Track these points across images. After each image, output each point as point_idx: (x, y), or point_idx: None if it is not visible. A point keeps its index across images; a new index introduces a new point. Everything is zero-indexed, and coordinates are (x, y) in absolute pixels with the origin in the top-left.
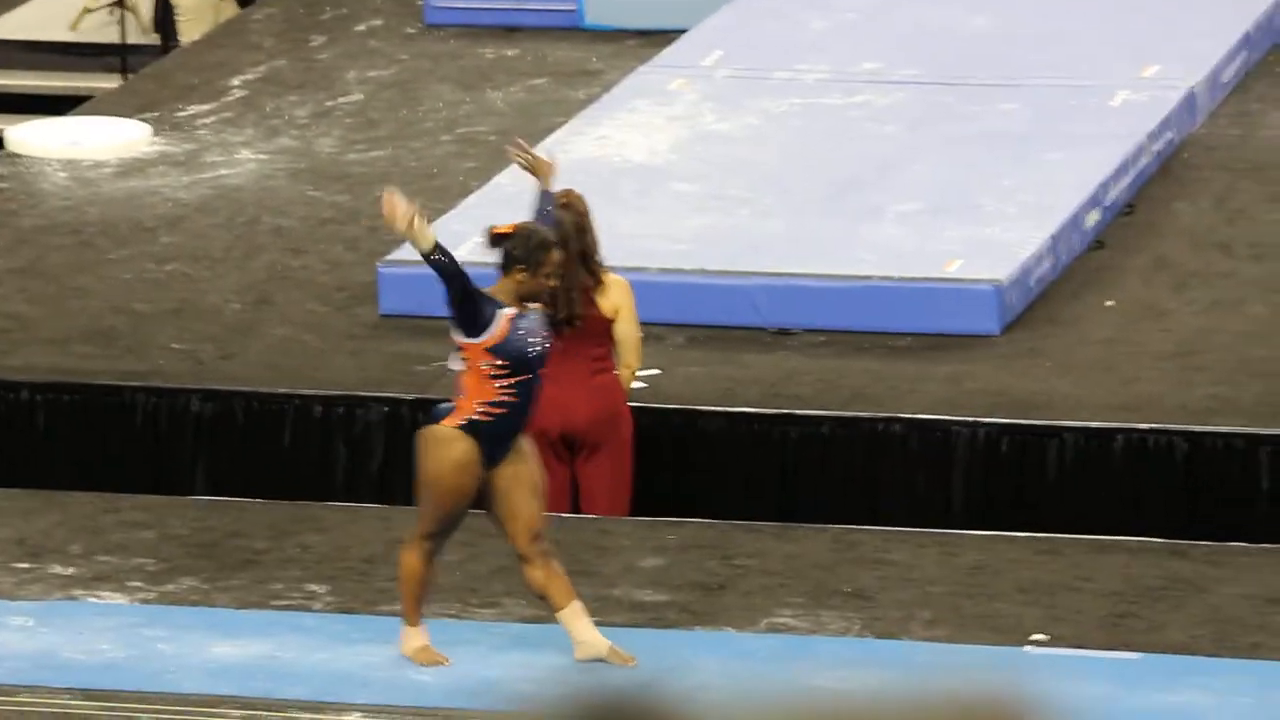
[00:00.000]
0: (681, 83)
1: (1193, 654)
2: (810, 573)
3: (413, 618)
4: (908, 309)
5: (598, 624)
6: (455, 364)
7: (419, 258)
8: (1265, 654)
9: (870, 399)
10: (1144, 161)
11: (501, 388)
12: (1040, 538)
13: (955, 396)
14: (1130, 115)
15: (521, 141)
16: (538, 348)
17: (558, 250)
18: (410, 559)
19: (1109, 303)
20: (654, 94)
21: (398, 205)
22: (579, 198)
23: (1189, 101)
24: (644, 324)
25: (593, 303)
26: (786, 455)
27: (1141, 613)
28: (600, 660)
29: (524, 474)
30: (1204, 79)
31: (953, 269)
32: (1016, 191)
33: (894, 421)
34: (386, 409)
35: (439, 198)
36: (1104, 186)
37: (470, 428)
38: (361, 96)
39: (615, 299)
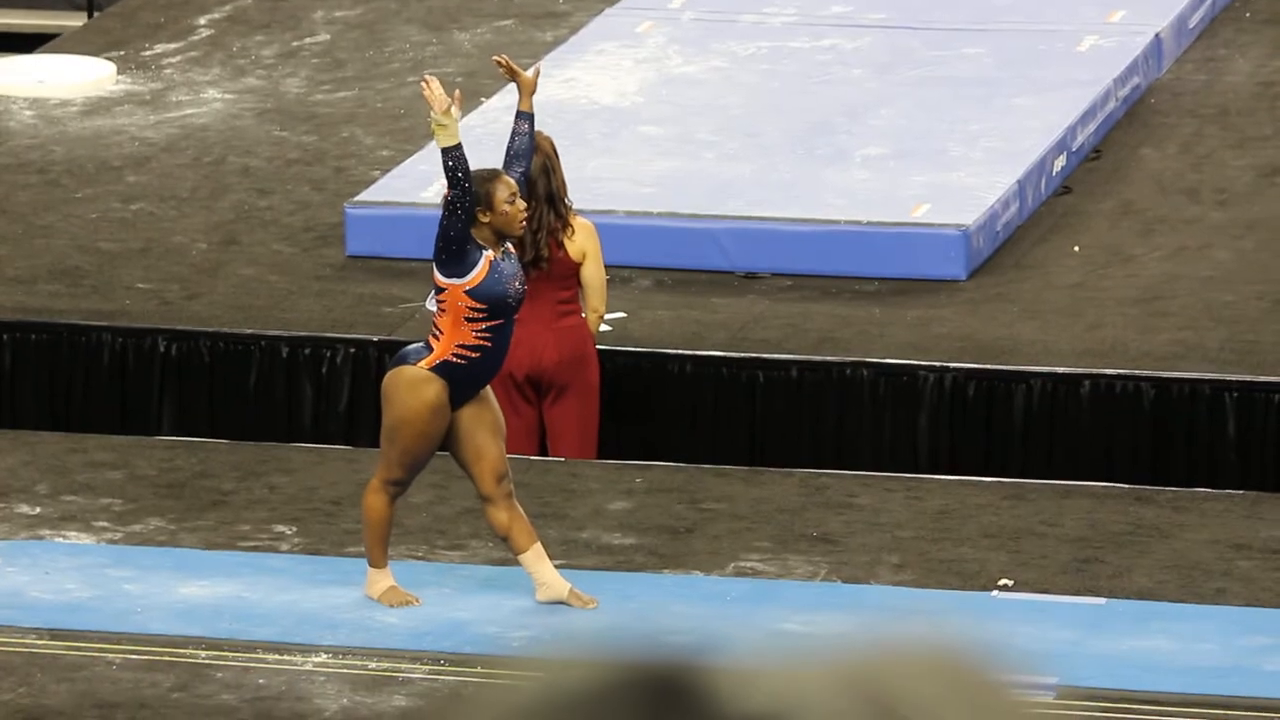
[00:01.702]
0: (648, 25)
1: (1158, 599)
2: (777, 517)
3: (379, 559)
4: (875, 253)
5: (566, 567)
6: (432, 305)
7: (387, 199)
8: (1230, 600)
9: (837, 343)
10: (1110, 107)
11: (477, 332)
12: (1006, 483)
13: (922, 341)
14: (1097, 60)
15: (507, 57)
16: (515, 291)
17: (504, 175)
18: (375, 501)
19: (1075, 248)
20: (621, 36)
21: (437, 90)
22: (546, 139)
23: (1155, 47)
24: (611, 267)
25: (560, 245)
26: (754, 399)
27: (1107, 558)
28: (561, 602)
29: (486, 416)
30: (1170, 24)
31: (919, 213)
32: (983, 136)
33: (861, 366)
34: (353, 350)
35: (406, 139)
36: (1071, 132)
37: (443, 369)
38: (328, 37)
39: (582, 242)
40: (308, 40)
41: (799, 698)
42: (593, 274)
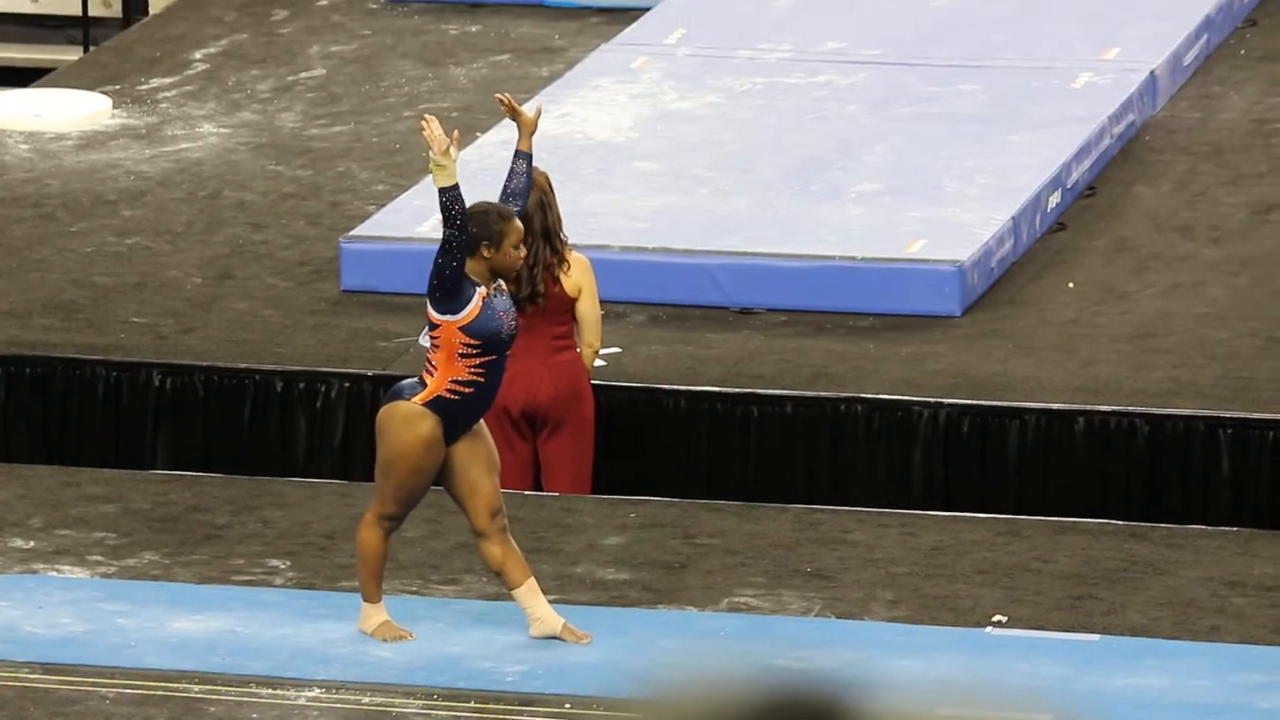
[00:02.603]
0: (644, 61)
1: (1151, 636)
2: (771, 552)
3: (372, 594)
4: (869, 289)
5: (560, 602)
6: (425, 340)
7: (382, 234)
8: (1223, 637)
9: (831, 379)
10: (1105, 144)
11: (471, 368)
12: (1000, 519)
13: (916, 377)
14: (1092, 97)
15: (509, 95)
16: (509, 327)
17: (517, 219)
18: (369, 536)
19: (1069, 284)
20: (616, 72)
21: (436, 130)
22: (542, 175)
23: (1150, 84)
24: (606, 302)
25: (556, 280)
26: (748, 434)
27: (1101, 594)
28: (555, 637)
29: (480, 451)
30: (1165, 61)
31: (914, 249)
32: (978, 173)
33: (855, 402)
34: (348, 384)
35: (401, 174)
36: (1065, 168)
37: (436, 405)
38: (324, 71)
39: (577, 277)
40: (303, 75)
41: None
42: (588, 309)
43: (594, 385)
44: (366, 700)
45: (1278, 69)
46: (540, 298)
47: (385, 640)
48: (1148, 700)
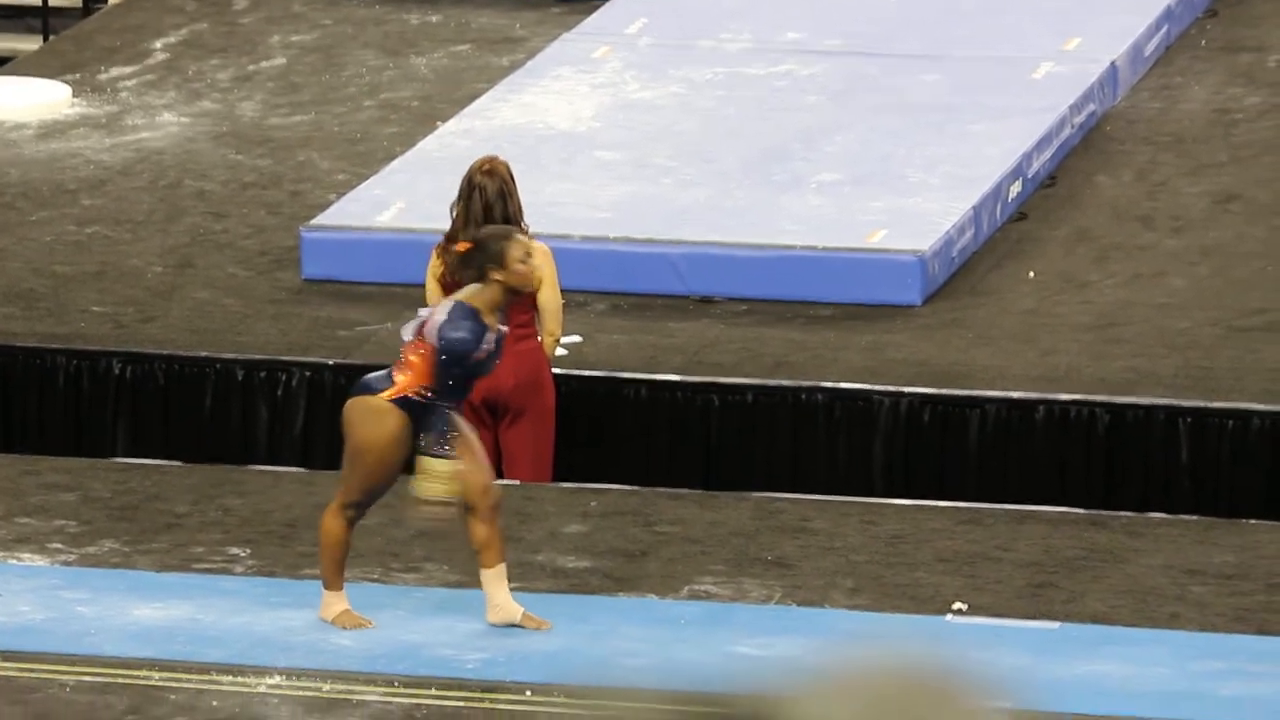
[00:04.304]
0: (605, 50)
1: (1111, 624)
2: (732, 540)
3: (334, 582)
4: (830, 279)
5: (520, 590)
6: (408, 334)
7: (343, 223)
8: (1183, 624)
9: (792, 368)
10: (1066, 134)
11: (444, 385)
12: (961, 507)
13: (877, 366)
14: (1053, 87)
15: None
16: (489, 369)
17: (518, 235)
18: (332, 524)
19: (1030, 274)
20: (578, 61)
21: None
22: (503, 164)
23: (1111, 74)
24: (567, 292)
25: None
26: (708, 423)
27: (1061, 583)
28: (514, 625)
29: (463, 438)
30: (1126, 52)
31: (875, 239)
32: (939, 163)
33: (816, 391)
34: (309, 373)
35: (362, 163)
36: (1026, 158)
37: (403, 404)
38: (284, 61)
39: (538, 266)
40: (264, 64)
41: None
42: (549, 298)
43: (555, 374)
44: (327, 688)
45: (1238, 59)
46: None
47: (345, 628)
48: (1107, 688)
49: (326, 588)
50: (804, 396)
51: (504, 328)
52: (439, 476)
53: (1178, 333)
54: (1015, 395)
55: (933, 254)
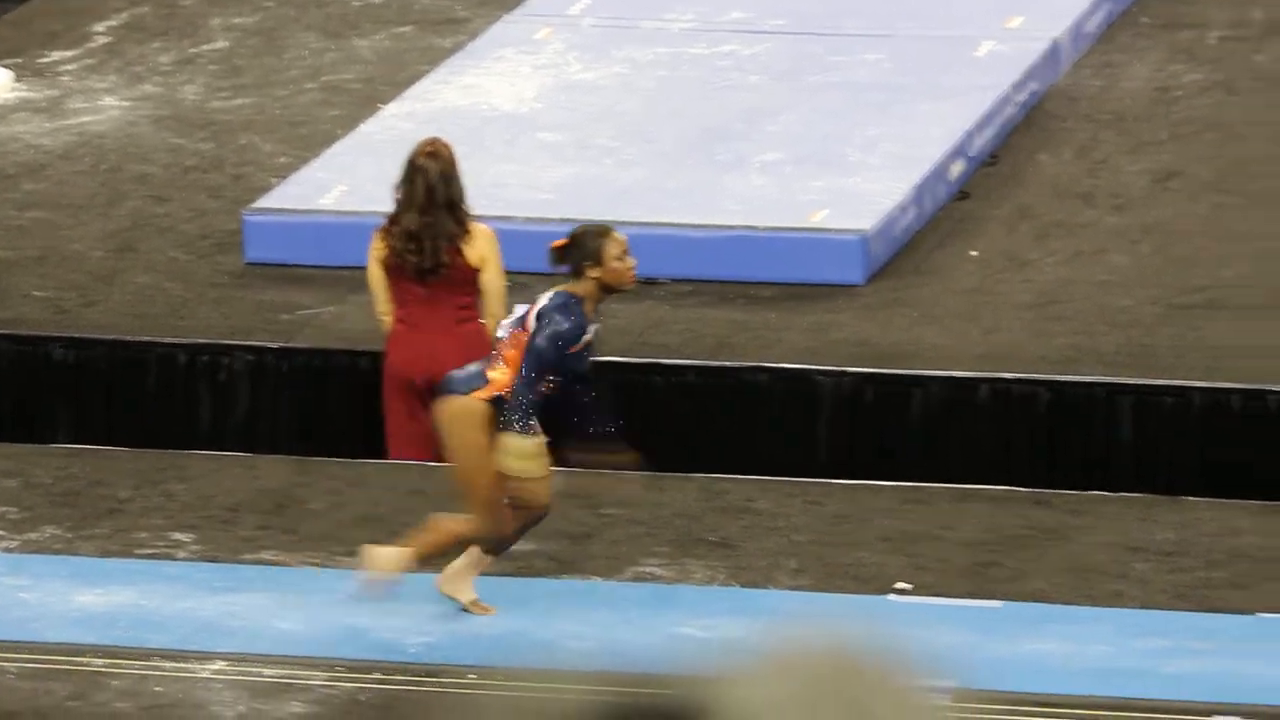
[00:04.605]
0: (548, 31)
1: (1054, 602)
2: (676, 522)
3: (417, 552)
4: (773, 259)
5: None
6: (504, 331)
7: (285, 206)
8: (1125, 602)
9: (735, 348)
10: (1008, 112)
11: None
12: (904, 487)
13: (820, 346)
14: (994, 66)
15: None
16: (589, 366)
17: (616, 233)
18: (490, 527)
19: (973, 253)
20: (520, 43)
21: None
22: (446, 147)
23: (1053, 52)
24: (510, 273)
25: (459, 252)
26: (652, 404)
27: (1004, 561)
28: (458, 603)
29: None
30: (1068, 30)
31: (818, 219)
32: (881, 142)
33: (759, 371)
34: (251, 357)
35: (304, 146)
36: (968, 137)
37: (499, 402)
38: (226, 44)
39: (481, 248)
40: (205, 47)
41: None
42: (492, 280)
43: None
44: (270, 672)
45: (1179, 37)
46: (443, 269)
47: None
48: (1050, 665)
49: (406, 549)
50: (747, 377)
51: (597, 325)
52: (525, 454)
53: (1119, 310)
54: (958, 374)
55: (875, 233)
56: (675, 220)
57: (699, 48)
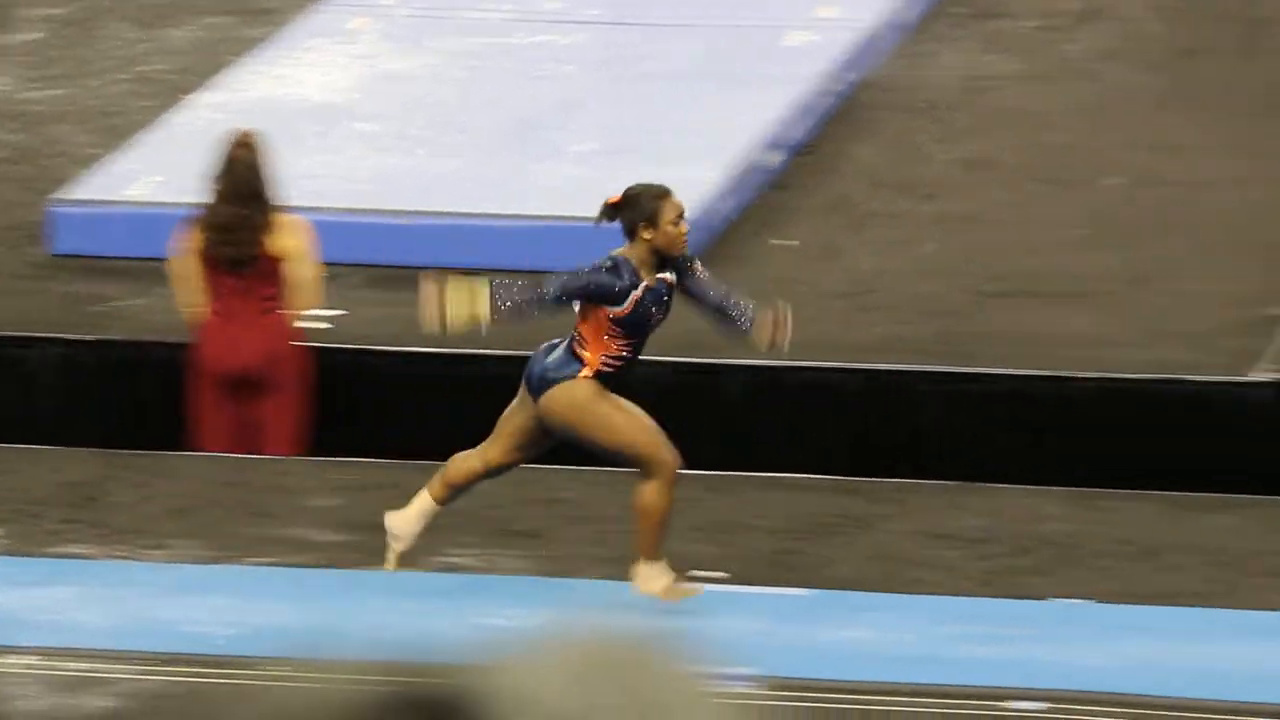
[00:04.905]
0: (362, 21)
1: (860, 590)
2: (484, 512)
3: (650, 555)
4: (587, 249)
5: (274, 564)
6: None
7: (92, 196)
8: (929, 589)
9: (543, 337)
10: (822, 101)
11: (620, 345)
12: (712, 475)
13: None
14: (809, 56)
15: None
16: (657, 318)
17: (674, 198)
18: (657, 499)
19: (785, 241)
20: (333, 33)
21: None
22: (258, 137)
23: (866, 42)
24: (323, 264)
25: (272, 243)
26: (461, 395)
27: (810, 549)
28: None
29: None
30: (881, 19)
31: None
32: (697, 132)
33: None
34: (59, 349)
35: (117, 137)
36: (783, 127)
37: (600, 379)
38: (39, 35)
39: (291, 239)
40: (17, 37)
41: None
42: (305, 271)
43: (312, 347)
44: (75, 666)
45: (990, 26)
46: (256, 260)
47: (672, 600)
48: (857, 653)
49: (650, 559)
50: None
51: (668, 279)
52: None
53: (931, 298)
54: (770, 363)
55: (690, 223)
56: (490, 210)
57: (515, 38)
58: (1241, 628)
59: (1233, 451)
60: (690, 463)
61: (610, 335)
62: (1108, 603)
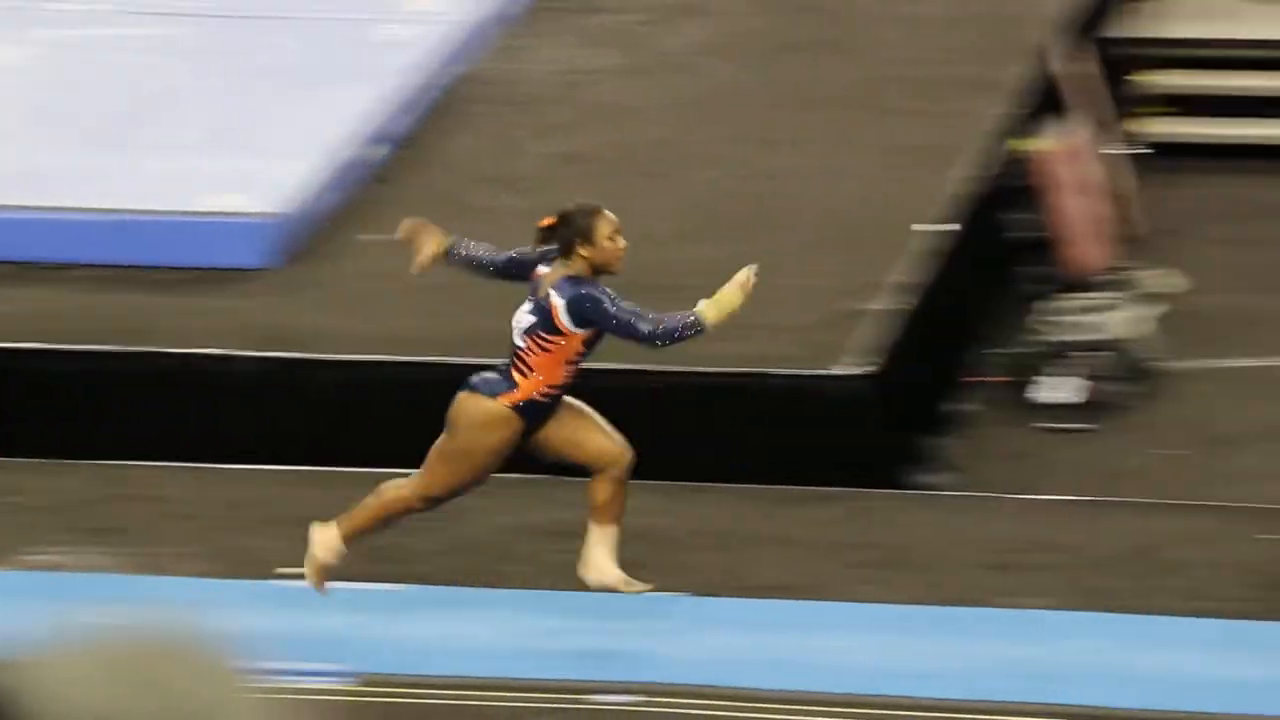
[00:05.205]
0: None
1: (447, 585)
2: (75, 508)
3: (349, 533)
4: (181, 243)
5: None
6: (520, 339)
7: None
8: (513, 583)
9: (141, 334)
10: (425, 96)
11: (570, 372)
12: (301, 471)
13: (227, 330)
14: (411, 49)
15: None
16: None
17: (607, 213)
18: (397, 502)
19: (377, 236)
20: None
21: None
22: None
23: (469, 35)
24: None
25: None
26: (53, 391)
27: (401, 542)
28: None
29: (565, 416)
30: (480, 13)
31: (227, 202)
32: (295, 126)
33: (163, 356)
34: None
35: None
36: (382, 121)
37: (525, 409)
38: None
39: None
40: None
41: (79, 690)
42: None
43: None
44: None
45: (588, 21)
46: None
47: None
48: (441, 650)
49: (340, 532)
50: (157, 361)
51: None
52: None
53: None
54: (365, 357)
55: (287, 217)
56: (84, 204)
57: (112, 29)
58: (831, 620)
59: (822, 444)
60: (287, 459)
61: (571, 361)
62: (700, 595)
